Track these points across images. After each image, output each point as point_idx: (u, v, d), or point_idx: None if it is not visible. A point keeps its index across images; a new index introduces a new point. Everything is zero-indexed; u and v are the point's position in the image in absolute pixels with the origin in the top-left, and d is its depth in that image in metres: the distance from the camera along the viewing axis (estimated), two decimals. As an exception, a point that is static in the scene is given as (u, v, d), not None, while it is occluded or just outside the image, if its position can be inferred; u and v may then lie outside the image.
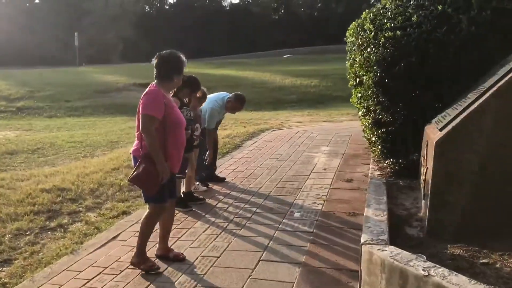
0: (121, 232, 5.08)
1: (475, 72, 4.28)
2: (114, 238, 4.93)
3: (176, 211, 5.00)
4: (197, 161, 6.24)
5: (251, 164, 7.93)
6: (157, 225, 4.43)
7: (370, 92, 4.85)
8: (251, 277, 3.86)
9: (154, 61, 4.11)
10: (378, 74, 4.63)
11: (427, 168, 3.76)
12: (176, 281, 3.88)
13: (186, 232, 4.97)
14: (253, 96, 20.16)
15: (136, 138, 4.15)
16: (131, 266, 4.15)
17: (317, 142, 9.72)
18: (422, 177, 3.91)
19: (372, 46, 4.72)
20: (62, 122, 17.71)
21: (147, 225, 4.19)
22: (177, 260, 4.24)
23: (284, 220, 5.13)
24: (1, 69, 36.43)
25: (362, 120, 5.47)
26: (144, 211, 4.27)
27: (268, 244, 4.50)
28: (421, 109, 4.54)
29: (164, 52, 4.17)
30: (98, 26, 61.82)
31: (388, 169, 5.15)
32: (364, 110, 5.20)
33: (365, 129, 5.50)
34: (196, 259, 4.25)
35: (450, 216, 3.48)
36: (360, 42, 4.96)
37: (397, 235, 3.59)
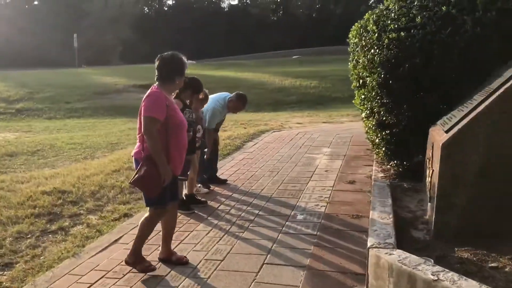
0: (123, 235, 5.04)
1: (480, 74, 4.26)
2: (116, 241, 4.89)
3: (178, 214, 4.96)
4: (198, 163, 6.20)
5: (252, 166, 7.89)
6: (160, 228, 4.41)
7: (373, 93, 4.82)
8: (255, 280, 3.82)
9: (156, 62, 4.08)
10: (382, 76, 4.60)
11: (433, 170, 3.73)
12: (179, 285, 3.84)
13: (188, 234, 4.93)
14: (252, 97, 20.10)
15: (138, 141, 4.11)
16: (134, 270, 4.11)
17: (318, 143, 9.69)
18: (428, 179, 3.88)
19: (375, 47, 4.69)
20: (61, 124, 17.66)
21: (146, 227, 4.16)
22: (180, 263, 4.20)
23: (287, 223, 5.09)
24: (0, 71, 36.37)
25: (366, 121, 5.43)
26: (145, 213, 4.24)
27: (272, 247, 4.46)
28: (426, 110, 4.51)
29: (165, 53, 4.14)
30: (97, 27, 61.78)
31: (391, 171, 5.11)
32: (368, 112, 5.16)
33: (368, 130, 5.46)
34: (199, 263, 4.21)
35: (457, 219, 3.44)
36: (364, 43, 4.93)
37: (403, 238, 3.56)
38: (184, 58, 4.14)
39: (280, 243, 4.53)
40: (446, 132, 3.61)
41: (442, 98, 4.47)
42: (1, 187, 6.96)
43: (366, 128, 5.54)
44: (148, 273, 4.06)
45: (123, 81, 28.77)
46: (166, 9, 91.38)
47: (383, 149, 5.10)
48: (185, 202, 5.68)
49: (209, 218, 5.43)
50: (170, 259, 4.26)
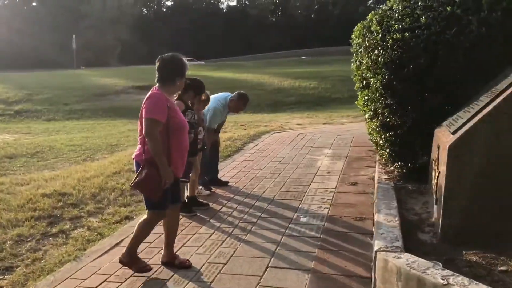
0: (124, 238, 4.97)
1: (485, 74, 4.21)
2: (117, 244, 4.83)
3: (180, 216, 4.90)
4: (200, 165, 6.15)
5: (253, 168, 7.84)
6: (162, 231, 4.36)
7: (377, 94, 4.77)
8: (259, 284, 3.77)
9: (156, 64, 4.04)
10: (386, 76, 4.56)
11: (439, 172, 3.68)
12: (183, 289, 3.80)
13: (191, 237, 4.88)
14: (252, 98, 19.97)
15: (139, 143, 4.07)
16: (136, 274, 4.06)
17: (319, 144, 9.64)
18: (434, 181, 3.83)
19: (379, 48, 4.64)
20: (61, 125, 17.62)
21: (144, 229, 4.13)
22: (183, 267, 4.15)
23: (290, 225, 5.04)
24: (-1, 72, 36.32)
25: (369, 123, 5.39)
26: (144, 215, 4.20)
27: (276, 250, 4.41)
28: (430, 111, 4.47)
29: (166, 55, 4.10)
30: (95, 29, 61.78)
31: (395, 172, 5.07)
32: (371, 113, 5.12)
33: (372, 132, 5.41)
34: (202, 266, 4.16)
35: (465, 221, 3.40)
36: (367, 44, 4.88)
37: (409, 241, 3.51)
38: (185, 59, 4.10)
39: (283, 246, 4.48)
40: (453, 133, 3.56)
41: (447, 99, 4.43)
42: (1, 189, 6.91)
43: (370, 130, 5.49)
44: (150, 277, 4.02)
45: (122, 83, 28.76)
46: (164, 10, 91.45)
47: (387, 150, 5.06)
48: (187, 205, 5.63)
49: (211, 220, 5.38)
50: (172, 262, 4.21)
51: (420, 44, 4.36)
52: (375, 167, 7.04)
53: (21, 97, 23.80)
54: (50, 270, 4.32)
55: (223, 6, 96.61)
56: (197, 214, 5.59)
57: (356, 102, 6.10)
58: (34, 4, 74.39)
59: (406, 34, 4.43)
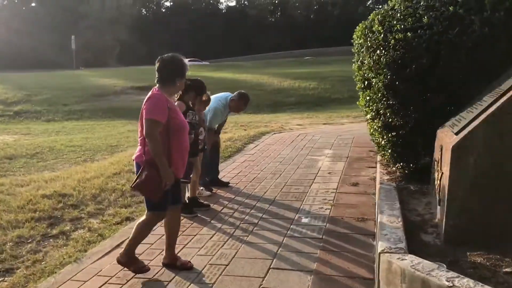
0: (125, 240, 4.87)
1: (488, 74, 4.19)
2: (118, 245, 4.78)
3: (181, 217, 4.88)
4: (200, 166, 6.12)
5: (254, 168, 7.82)
6: (163, 232, 4.34)
7: (379, 95, 4.75)
8: (262, 286, 3.76)
9: (156, 64, 4.01)
10: (388, 77, 4.53)
11: (442, 173, 3.66)
12: (184, 291, 3.78)
13: (192, 239, 4.86)
14: (251, 99, 20.00)
15: (139, 144, 4.04)
16: (138, 275, 4.04)
17: (320, 145, 9.63)
18: (437, 182, 3.81)
19: (381, 48, 4.62)
20: (60, 126, 17.59)
21: (142, 230, 4.11)
22: (184, 268, 4.12)
23: (292, 226, 5.02)
24: (-2, 73, 36.29)
25: (371, 123, 5.36)
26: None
27: (277, 251, 4.39)
28: (433, 112, 4.44)
29: (166, 55, 4.08)
30: (94, 29, 61.77)
31: (397, 173, 5.05)
32: (373, 114, 5.09)
33: (373, 132, 5.39)
34: (204, 267, 4.13)
35: (469, 223, 3.38)
36: (369, 44, 4.86)
37: (413, 242, 3.48)
38: (185, 60, 4.08)
39: (285, 247, 4.47)
40: (456, 134, 3.54)
41: (449, 99, 4.41)
42: (1, 190, 6.87)
43: (371, 130, 5.46)
44: (152, 278, 3.99)
45: (121, 83, 28.74)
46: (163, 10, 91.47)
47: (389, 151, 5.03)
48: (188, 206, 5.61)
49: (212, 221, 5.36)
50: (174, 264, 4.18)
51: (423, 44, 4.34)
52: (376, 167, 7.02)
53: (20, 98, 23.77)
54: (50, 271, 4.29)
55: (222, 6, 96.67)
56: (198, 215, 5.57)
57: (357, 103, 6.07)
58: (33, 4, 74.38)
59: (408, 34, 4.41)
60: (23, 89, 26.07)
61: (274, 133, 11.80)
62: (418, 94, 4.52)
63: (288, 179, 6.94)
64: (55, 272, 4.27)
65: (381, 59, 4.61)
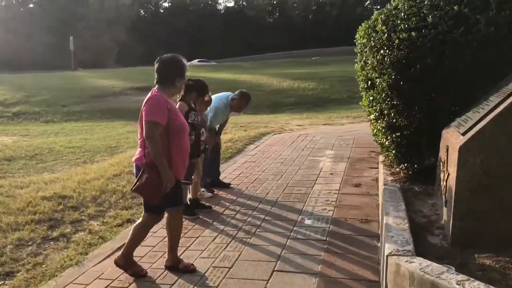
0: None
1: (493, 74, 4.15)
2: (119, 248, 4.70)
3: (183, 219, 4.82)
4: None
5: (255, 169, 7.77)
6: (165, 234, 4.29)
7: (383, 95, 4.70)
8: (266, 289, 3.71)
9: (155, 65, 3.96)
10: (393, 77, 4.49)
11: (448, 174, 3.61)
12: (188, 294, 3.73)
13: (194, 241, 4.81)
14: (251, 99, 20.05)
15: (139, 146, 3.99)
16: (140, 279, 3.99)
17: (321, 145, 9.58)
18: (443, 183, 3.76)
19: (385, 48, 4.58)
20: (59, 127, 17.53)
21: (139, 232, 4.09)
22: (187, 271, 4.08)
23: (295, 228, 4.97)
24: (-4, 74, 36.23)
25: (374, 123, 5.32)
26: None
27: (281, 253, 4.34)
28: (437, 112, 4.40)
29: (165, 56, 4.02)
30: (93, 30, 61.73)
31: (401, 174, 5.00)
32: (377, 114, 5.04)
33: (377, 133, 5.34)
34: (207, 270, 4.08)
35: (476, 224, 3.33)
36: (373, 44, 4.81)
37: (419, 244, 3.43)
38: (184, 60, 4.03)
39: (289, 249, 4.42)
40: (463, 134, 3.49)
41: (454, 99, 4.36)
42: (0, 192, 6.82)
43: (375, 130, 5.42)
44: (155, 281, 3.95)
45: (120, 84, 28.69)
46: (162, 11, 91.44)
47: (393, 151, 4.99)
48: (190, 207, 5.55)
49: (214, 223, 5.31)
50: (177, 266, 4.14)
51: (427, 43, 4.30)
52: (377, 168, 6.99)
53: (19, 99, 23.72)
54: (51, 275, 4.24)
55: (220, 7, 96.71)
56: (200, 216, 5.52)
57: (360, 103, 6.03)
58: (31, 5, 74.30)
59: (413, 33, 4.36)
60: (21, 90, 26.02)
61: (275, 134, 11.75)
62: (422, 94, 4.48)
63: (290, 180, 6.90)
64: (56, 275, 4.22)
65: (385, 58, 4.57)
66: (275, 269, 4.02)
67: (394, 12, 4.84)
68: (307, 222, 5.14)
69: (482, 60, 4.21)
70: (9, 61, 55.57)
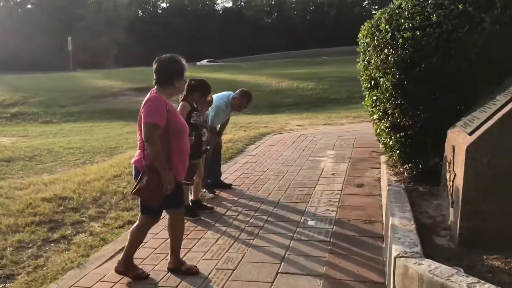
0: (128, 244, 4.85)
1: (499, 73, 4.11)
2: (121, 250, 4.63)
3: (185, 220, 4.78)
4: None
5: (256, 170, 7.72)
6: (167, 235, 4.24)
7: (387, 94, 4.65)
8: (271, 291, 3.66)
9: (154, 65, 3.90)
10: (397, 76, 4.44)
11: (455, 174, 3.57)
12: (191, 296, 3.68)
13: (197, 242, 4.76)
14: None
15: (138, 147, 3.94)
16: (143, 281, 3.94)
17: (321, 146, 9.54)
18: (449, 184, 3.72)
19: (389, 47, 4.53)
20: (58, 128, 17.48)
21: (137, 235, 4.05)
22: (190, 273, 4.03)
23: (298, 229, 4.93)
24: (-6, 75, 36.17)
25: (377, 123, 5.27)
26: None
27: (285, 254, 4.29)
28: (442, 112, 4.36)
29: (163, 56, 3.95)
30: (91, 30, 61.70)
31: (405, 174, 4.95)
32: (380, 114, 5.00)
33: (380, 133, 5.29)
34: (210, 272, 4.03)
35: (484, 225, 3.28)
36: (376, 43, 4.77)
37: (426, 245, 3.39)
38: (183, 60, 3.96)
39: (293, 251, 4.37)
40: (470, 134, 3.45)
41: (459, 98, 4.32)
42: (0, 194, 6.76)
43: (378, 130, 5.37)
44: (157, 284, 3.90)
45: (119, 84, 28.65)
46: (160, 11, 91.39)
47: (397, 151, 4.94)
48: (191, 208, 5.51)
49: (216, 224, 5.26)
50: (179, 268, 4.09)
51: (432, 42, 4.25)
52: (379, 168, 6.95)
53: (17, 100, 23.66)
54: (53, 277, 4.19)
55: (218, 7, 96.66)
56: (202, 218, 5.47)
57: (363, 103, 5.98)
58: (29, 6, 74.17)
59: (417, 32, 4.31)
60: (19, 91, 25.96)
61: (275, 134, 11.71)
62: (427, 94, 4.43)
63: (291, 181, 6.85)
64: (58, 278, 4.17)
65: (389, 58, 4.52)
66: (279, 271, 3.98)
67: (397, 11, 4.80)
68: (310, 223, 5.10)
69: (487, 59, 4.17)
70: (7, 62, 55.48)
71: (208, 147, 6.02)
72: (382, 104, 4.87)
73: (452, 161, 3.73)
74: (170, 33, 74.81)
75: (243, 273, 3.98)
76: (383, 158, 6.39)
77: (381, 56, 4.67)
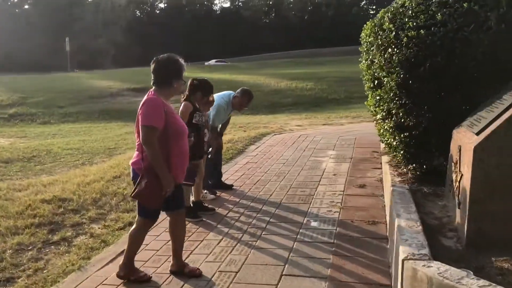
0: (129, 246, 4.79)
1: (505, 73, 4.06)
2: (122, 252, 4.58)
3: (186, 222, 4.72)
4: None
5: (257, 170, 7.67)
6: (167, 237, 4.18)
7: (392, 94, 4.60)
8: (275, 294, 3.61)
9: (151, 66, 3.83)
10: (402, 76, 4.39)
11: (461, 174, 3.53)
12: (195, 299, 3.63)
13: (199, 244, 4.70)
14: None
15: (136, 149, 3.88)
16: (145, 284, 3.88)
17: (322, 146, 9.49)
18: (455, 184, 3.67)
19: (393, 46, 4.48)
20: (56, 129, 17.40)
21: (136, 238, 4.00)
22: (193, 275, 3.97)
23: (301, 230, 4.88)
24: (-9, 76, 36.07)
25: (381, 123, 5.22)
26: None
27: (288, 256, 4.24)
28: (447, 111, 4.31)
29: (161, 56, 3.87)
30: (89, 31, 61.66)
31: (409, 174, 4.91)
32: (384, 114, 4.95)
33: (384, 133, 5.24)
34: (213, 275, 3.98)
35: (493, 226, 3.24)
36: (380, 42, 4.72)
37: (433, 246, 3.34)
38: (181, 60, 3.88)
39: (296, 253, 4.32)
40: (477, 134, 3.41)
41: (464, 98, 4.27)
42: (-2, 195, 6.70)
43: (382, 130, 5.32)
44: (160, 287, 3.84)
45: (117, 85, 28.58)
46: (157, 12, 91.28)
47: (402, 152, 4.89)
48: (193, 210, 5.45)
49: (218, 226, 5.20)
50: (182, 271, 4.04)
51: (437, 41, 4.20)
52: (381, 168, 6.91)
53: (15, 101, 23.57)
54: (53, 280, 4.13)
55: (216, 7, 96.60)
56: (203, 219, 5.41)
57: (365, 103, 5.93)
58: (26, 7, 74.02)
59: (422, 31, 4.27)
60: (17, 91, 25.87)
61: (275, 134, 11.66)
62: (432, 93, 4.38)
63: (293, 181, 6.80)
64: (58, 281, 4.11)
65: (393, 57, 4.47)
66: (283, 273, 3.93)
67: (401, 10, 4.75)
68: (313, 224, 5.05)
69: (493, 58, 4.12)
70: (4, 62, 55.39)
71: (211, 149, 5.97)
72: (386, 104, 4.82)
73: (458, 162, 3.69)
74: (168, 34, 74.68)
75: (247, 276, 3.93)
76: (384, 158, 6.34)
77: (385, 55, 4.62)
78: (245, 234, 4.90)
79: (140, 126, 3.68)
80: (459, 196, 3.56)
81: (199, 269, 4.06)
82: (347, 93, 23.86)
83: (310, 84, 26.54)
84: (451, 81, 4.28)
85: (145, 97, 3.79)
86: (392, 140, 4.99)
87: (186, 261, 4.20)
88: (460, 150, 3.67)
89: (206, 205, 5.76)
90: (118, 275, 3.97)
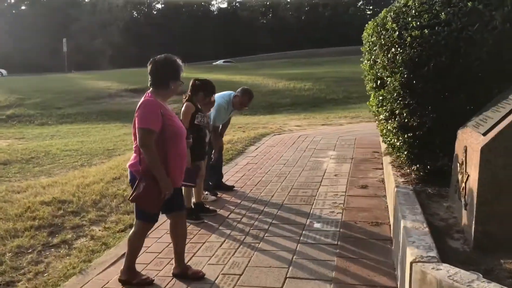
0: (131, 248, 4.73)
1: (510, 73, 4.02)
2: (124, 255, 4.54)
3: (187, 224, 4.67)
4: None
5: (257, 171, 7.63)
6: (168, 240, 4.14)
7: (395, 94, 4.56)
8: (280, 297, 3.57)
9: (148, 67, 3.77)
10: (405, 76, 4.35)
11: (468, 175, 3.48)
12: (199, 303, 3.58)
13: (201, 246, 4.65)
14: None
15: (134, 151, 3.82)
16: (147, 287, 3.83)
17: (322, 146, 9.46)
18: (461, 185, 3.63)
19: (397, 46, 4.44)
20: (54, 130, 17.31)
21: (135, 242, 3.94)
22: (196, 278, 3.93)
23: (304, 232, 4.84)
24: (-12, 77, 35.94)
25: (384, 124, 5.17)
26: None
27: (292, 258, 4.20)
28: (452, 111, 4.26)
29: (158, 57, 3.79)
30: (86, 32, 61.52)
31: (412, 175, 4.86)
32: (387, 114, 4.90)
33: (387, 133, 5.20)
34: (217, 278, 3.93)
35: (500, 228, 3.20)
36: (383, 42, 4.67)
37: (440, 248, 3.30)
38: (179, 61, 3.81)
39: (300, 255, 4.28)
40: (484, 134, 3.36)
41: (469, 98, 4.23)
42: (-3, 197, 6.63)
43: (384, 131, 5.28)
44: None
45: (115, 86, 28.49)
46: (155, 12, 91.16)
47: (405, 152, 4.85)
48: (194, 211, 5.40)
49: (220, 228, 5.16)
50: (185, 273, 3.99)
51: (441, 41, 4.15)
52: (382, 169, 6.87)
53: (12, 102, 23.47)
54: (54, 284, 4.08)
55: (213, 8, 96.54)
56: (205, 221, 5.36)
57: (367, 103, 5.89)
58: (23, 7, 73.84)
59: (426, 31, 4.23)
60: (14, 92, 25.77)
61: (274, 135, 11.62)
62: (436, 93, 4.34)
63: (294, 182, 6.76)
64: (59, 285, 4.06)
65: (397, 57, 4.43)
66: (287, 275, 3.88)
67: (404, 10, 4.71)
68: (316, 225, 5.01)
69: (498, 58, 4.08)
70: (1, 63, 55.22)
71: (213, 151, 5.93)
72: (389, 104, 4.77)
73: (464, 162, 3.65)
74: (165, 34, 74.57)
75: (250, 279, 3.88)
76: (387, 159, 6.30)
77: (389, 55, 4.58)
78: (248, 236, 4.85)
79: (136, 129, 3.63)
80: (466, 197, 3.52)
81: (202, 271, 4.01)
82: (346, 93, 23.84)
83: (308, 84, 26.49)
84: (455, 81, 4.23)
85: (142, 98, 3.73)
86: (395, 140, 4.95)
87: (188, 263, 4.16)
88: (466, 151, 3.62)
89: (208, 206, 5.71)
90: (120, 280, 3.92)
